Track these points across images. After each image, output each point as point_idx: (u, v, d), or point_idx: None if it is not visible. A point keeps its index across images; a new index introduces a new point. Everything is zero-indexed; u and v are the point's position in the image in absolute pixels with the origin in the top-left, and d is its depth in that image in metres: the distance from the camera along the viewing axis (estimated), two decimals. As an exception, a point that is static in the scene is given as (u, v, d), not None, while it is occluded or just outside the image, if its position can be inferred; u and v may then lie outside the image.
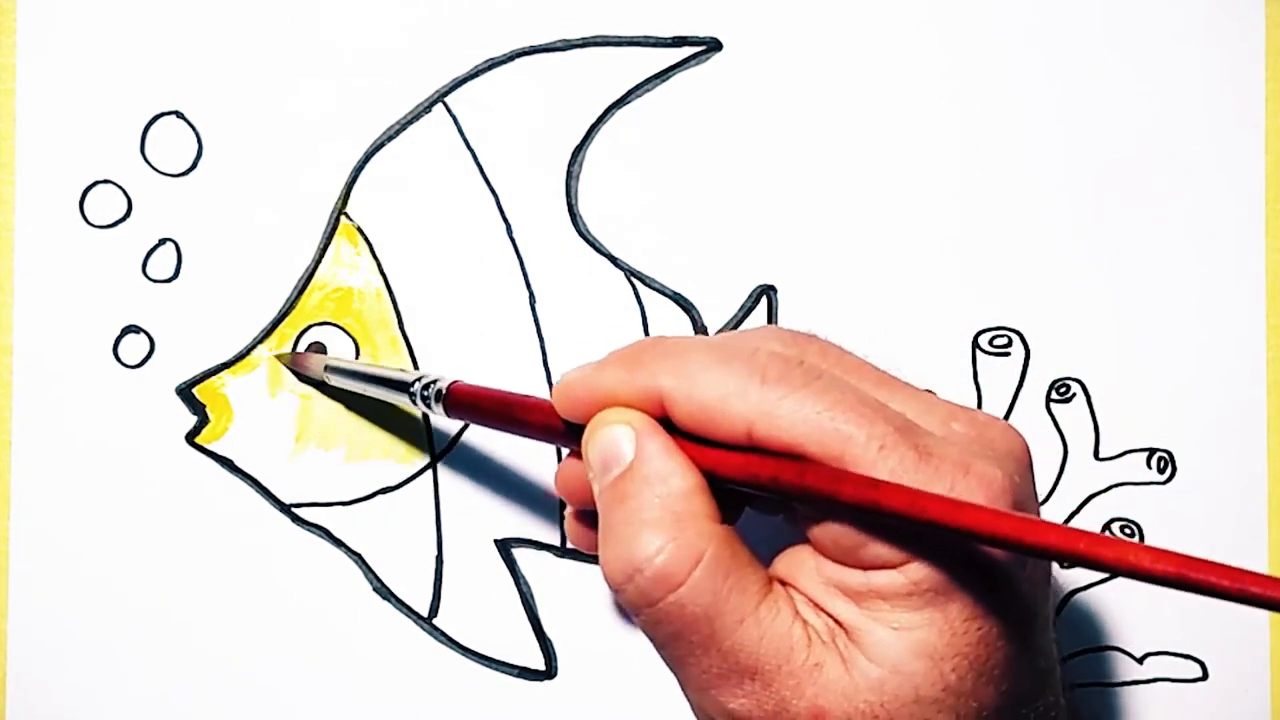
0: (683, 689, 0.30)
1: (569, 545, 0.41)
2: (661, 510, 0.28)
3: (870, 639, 0.28)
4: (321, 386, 0.40)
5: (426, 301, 0.41)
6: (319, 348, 0.41)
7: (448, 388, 0.35)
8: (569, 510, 0.36)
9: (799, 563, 0.29)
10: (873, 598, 0.28)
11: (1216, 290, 0.42)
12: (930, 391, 0.31)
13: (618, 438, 0.29)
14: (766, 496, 0.30)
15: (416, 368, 0.41)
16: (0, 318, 0.40)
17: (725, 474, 0.29)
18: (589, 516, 0.33)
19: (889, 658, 0.27)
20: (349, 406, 0.41)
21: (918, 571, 0.27)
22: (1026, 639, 0.29)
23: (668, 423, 0.29)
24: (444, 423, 0.41)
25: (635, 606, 0.29)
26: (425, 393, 0.35)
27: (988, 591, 0.28)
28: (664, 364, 0.29)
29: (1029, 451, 0.30)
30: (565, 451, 0.37)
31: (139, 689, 0.40)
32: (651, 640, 0.29)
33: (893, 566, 0.27)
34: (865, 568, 0.28)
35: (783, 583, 0.29)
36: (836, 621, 0.28)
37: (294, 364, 0.40)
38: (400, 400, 0.36)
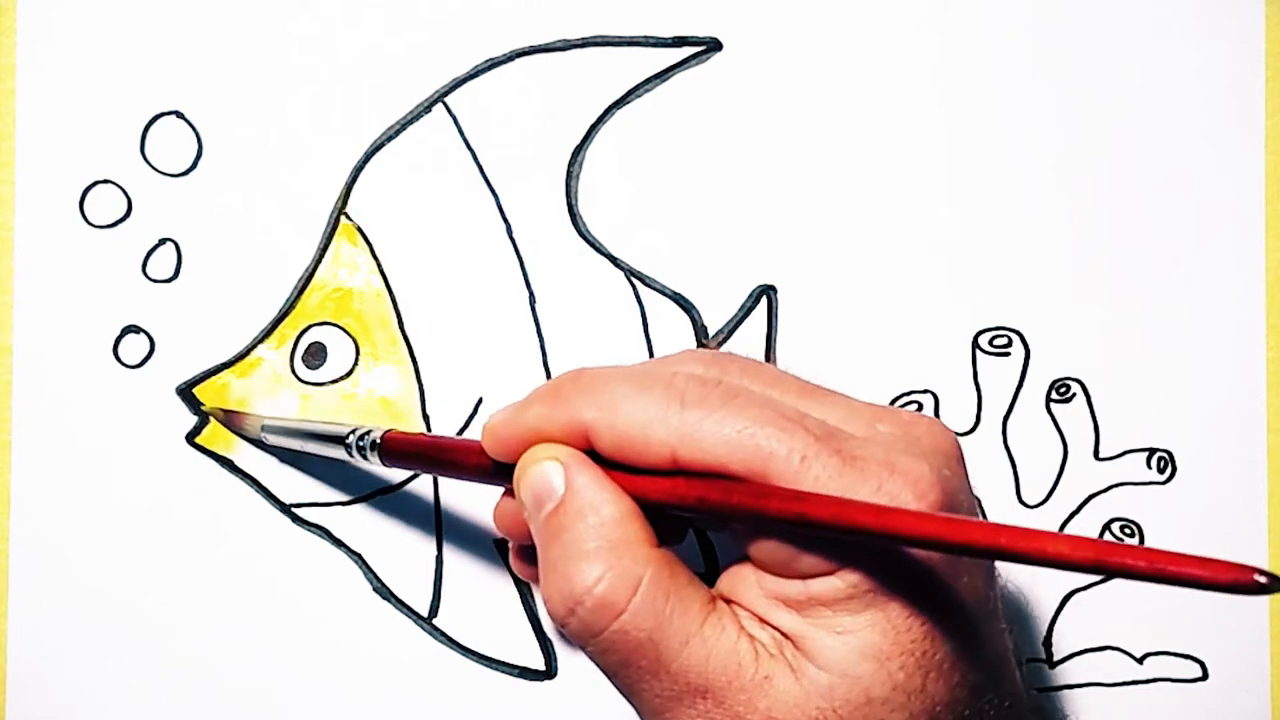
0: (639, 716, 0.30)
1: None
2: (597, 540, 0.29)
3: (816, 646, 0.28)
4: (258, 444, 0.40)
5: (426, 301, 0.41)
6: (318, 349, 0.41)
7: (381, 437, 0.35)
8: (512, 546, 0.36)
9: (741, 579, 0.30)
10: (814, 605, 0.28)
11: (1216, 290, 0.42)
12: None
13: (548, 473, 0.30)
14: (699, 518, 0.30)
15: (417, 368, 0.41)
16: (0, 318, 0.40)
17: (655, 499, 0.29)
18: (531, 552, 0.33)
19: (836, 663, 0.28)
20: (282, 460, 0.40)
21: (854, 575, 0.27)
22: (972, 631, 0.29)
23: (595, 454, 0.30)
24: (444, 424, 0.41)
25: (581, 638, 0.29)
26: (360, 443, 0.35)
27: (926, 587, 0.28)
28: (585, 397, 0.29)
29: (958, 445, 0.30)
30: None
31: (139, 689, 0.40)
32: (603, 670, 0.30)
33: (829, 573, 0.28)
34: (803, 577, 0.28)
35: (727, 600, 0.30)
36: (782, 633, 0.29)
37: (229, 423, 0.40)
38: (337, 453, 0.37)
